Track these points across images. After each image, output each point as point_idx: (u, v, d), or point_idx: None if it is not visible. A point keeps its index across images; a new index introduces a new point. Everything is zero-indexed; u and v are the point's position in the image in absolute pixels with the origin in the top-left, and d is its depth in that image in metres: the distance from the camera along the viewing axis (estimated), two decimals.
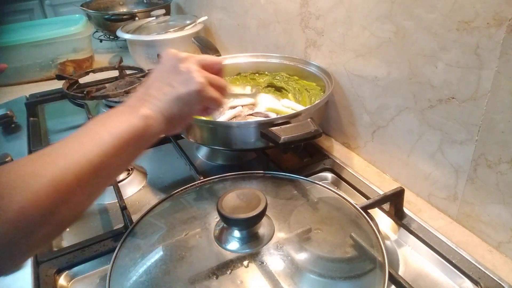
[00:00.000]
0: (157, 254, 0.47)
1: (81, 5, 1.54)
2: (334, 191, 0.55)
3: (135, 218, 0.55)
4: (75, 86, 1.08)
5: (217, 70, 0.52)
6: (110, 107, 1.02)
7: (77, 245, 0.59)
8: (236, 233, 0.46)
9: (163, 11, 1.35)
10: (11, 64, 1.24)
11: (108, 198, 0.72)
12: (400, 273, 0.53)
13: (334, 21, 0.75)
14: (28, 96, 1.15)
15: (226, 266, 0.43)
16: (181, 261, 0.45)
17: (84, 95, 0.95)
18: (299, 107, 0.76)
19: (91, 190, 0.40)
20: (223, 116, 0.74)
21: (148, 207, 0.54)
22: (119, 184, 0.72)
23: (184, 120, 0.49)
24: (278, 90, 0.88)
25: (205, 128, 0.71)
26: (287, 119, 0.64)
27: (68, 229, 0.66)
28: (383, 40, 0.65)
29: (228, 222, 0.45)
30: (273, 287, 0.42)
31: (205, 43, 1.05)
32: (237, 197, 0.46)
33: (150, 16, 1.38)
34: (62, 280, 0.56)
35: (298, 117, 0.66)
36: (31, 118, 1.02)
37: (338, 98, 0.81)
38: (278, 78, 0.90)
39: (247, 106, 0.78)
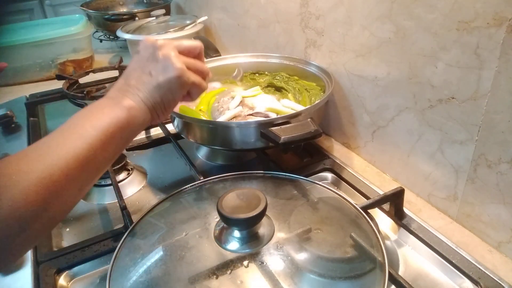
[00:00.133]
0: (157, 254, 0.47)
1: (81, 5, 1.54)
2: (334, 191, 0.55)
3: (135, 218, 0.55)
4: (75, 86, 1.09)
5: (196, 54, 0.51)
6: None
7: (77, 245, 0.59)
8: (236, 233, 0.46)
9: (163, 11, 1.35)
10: (11, 64, 1.24)
11: (108, 198, 0.72)
12: (400, 273, 0.53)
13: (334, 21, 0.75)
14: (28, 96, 1.15)
15: (226, 266, 0.43)
16: (181, 261, 0.45)
17: (84, 95, 0.95)
18: (299, 107, 0.76)
19: (80, 184, 0.40)
20: (223, 116, 0.74)
21: (148, 207, 0.54)
22: (119, 184, 0.72)
23: (169, 107, 0.49)
24: (278, 90, 0.88)
25: (205, 128, 0.71)
26: (287, 119, 0.64)
27: (68, 229, 0.66)
28: (383, 40, 0.65)
29: (228, 222, 0.45)
30: (273, 287, 0.42)
31: (205, 43, 1.05)
32: (237, 197, 0.46)
33: (150, 16, 1.39)
34: (62, 280, 0.56)
35: (298, 117, 0.66)
36: (31, 118, 1.02)
37: (338, 98, 0.81)
38: (278, 78, 0.90)
39: (247, 106, 0.78)
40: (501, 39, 0.48)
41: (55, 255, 0.58)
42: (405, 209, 0.62)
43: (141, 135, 0.91)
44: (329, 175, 0.74)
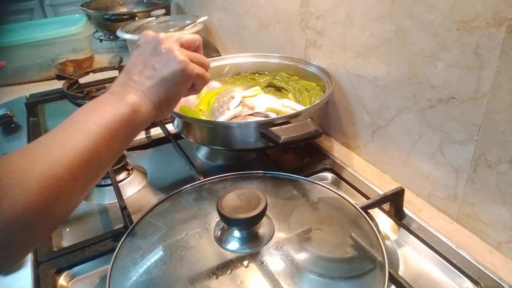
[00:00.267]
0: (157, 254, 0.47)
1: (81, 5, 1.54)
2: (334, 191, 0.55)
3: (135, 218, 0.55)
4: (75, 86, 1.09)
5: (195, 48, 0.51)
6: None
7: (77, 245, 0.59)
8: (236, 233, 0.46)
9: (163, 11, 1.35)
10: (11, 64, 1.24)
11: (108, 198, 0.72)
12: (400, 273, 0.53)
13: (334, 21, 0.75)
14: (28, 96, 1.15)
15: (226, 266, 0.43)
16: (181, 261, 0.45)
17: (84, 95, 0.95)
18: (299, 107, 0.76)
19: (84, 183, 0.39)
20: (223, 116, 0.74)
21: (148, 207, 0.54)
22: (119, 184, 0.72)
23: (173, 102, 0.48)
24: (278, 90, 0.88)
25: (205, 128, 0.71)
26: (287, 119, 0.64)
27: (68, 229, 0.66)
28: (383, 40, 0.65)
29: (228, 222, 0.45)
30: (273, 287, 0.42)
31: (205, 43, 1.05)
32: (237, 197, 0.46)
33: (150, 16, 1.39)
34: (62, 280, 0.56)
35: (298, 117, 0.66)
36: (31, 118, 1.02)
37: (338, 98, 0.81)
38: (278, 78, 0.90)
39: (247, 106, 0.78)
40: (501, 39, 0.48)
41: (55, 255, 0.58)
42: (405, 209, 0.62)
43: (141, 135, 0.91)
44: (329, 175, 0.74)
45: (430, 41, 0.57)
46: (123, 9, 1.69)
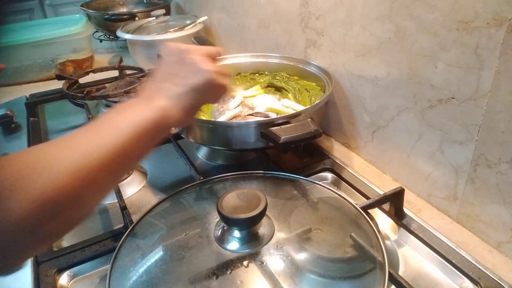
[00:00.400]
0: (157, 254, 0.47)
1: (81, 5, 1.53)
2: (334, 191, 0.55)
3: (135, 218, 0.55)
4: (75, 86, 1.08)
5: (214, 59, 0.53)
6: (110, 107, 1.02)
7: (77, 245, 0.59)
8: (236, 233, 0.46)
9: (163, 11, 1.35)
10: (11, 64, 1.24)
11: (108, 198, 0.72)
12: (400, 273, 0.53)
13: (334, 21, 0.75)
14: (28, 96, 1.15)
15: (226, 266, 0.43)
16: (181, 261, 0.45)
17: (84, 95, 0.95)
18: (299, 107, 0.77)
19: (113, 176, 0.41)
20: (223, 116, 0.74)
21: (148, 207, 0.54)
22: (119, 184, 0.72)
23: (196, 109, 0.51)
24: (278, 90, 0.88)
25: (205, 128, 0.71)
26: (287, 119, 0.64)
27: None
28: (383, 40, 0.65)
29: (228, 222, 0.45)
30: (273, 287, 0.42)
31: (205, 43, 1.05)
32: (237, 197, 0.46)
33: (150, 16, 1.38)
34: (62, 280, 0.56)
35: (298, 117, 0.66)
36: (31, 118, 1.02)
37: (338, 98, 0.81)
38: (278, 78, 0.90)
39: (247, 106, 0.78)
40: (501, 39, 0.48)
41: (55, 255, 0.58)
42: (405, 209, 0.62)
43: None
44: (329, 175, 0.74)
45: (430, 41, 0.57)
46: (123, 9, 1.69)
